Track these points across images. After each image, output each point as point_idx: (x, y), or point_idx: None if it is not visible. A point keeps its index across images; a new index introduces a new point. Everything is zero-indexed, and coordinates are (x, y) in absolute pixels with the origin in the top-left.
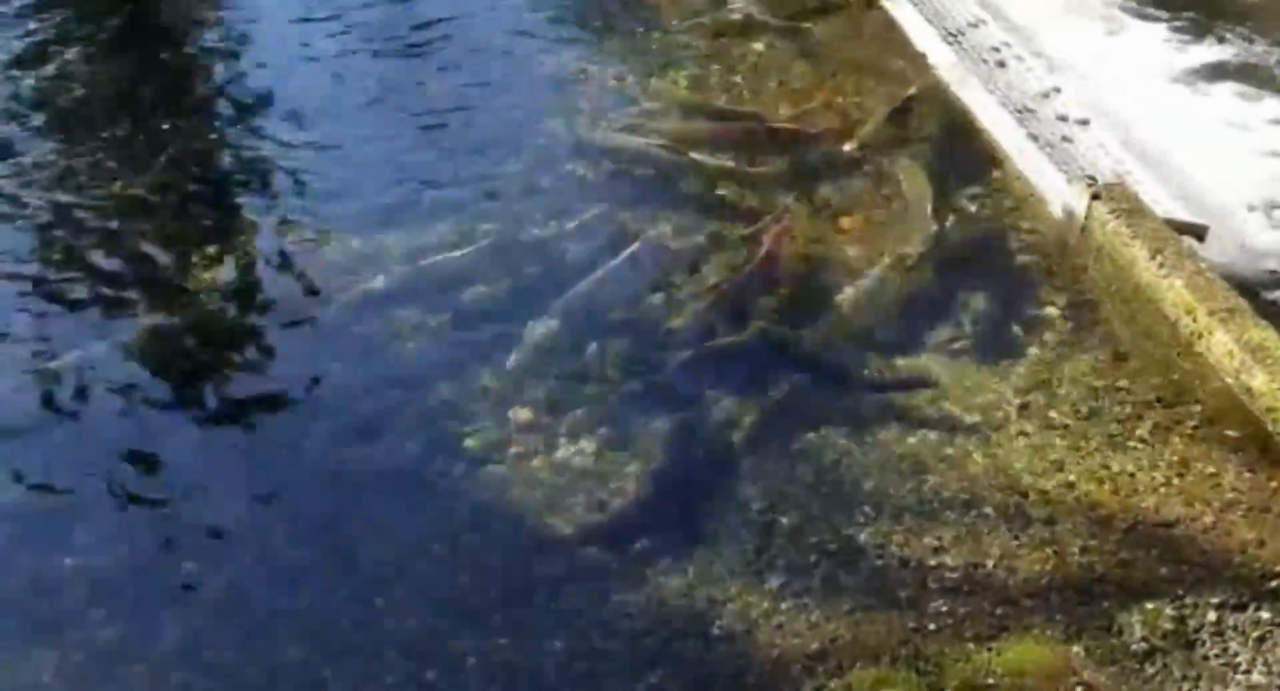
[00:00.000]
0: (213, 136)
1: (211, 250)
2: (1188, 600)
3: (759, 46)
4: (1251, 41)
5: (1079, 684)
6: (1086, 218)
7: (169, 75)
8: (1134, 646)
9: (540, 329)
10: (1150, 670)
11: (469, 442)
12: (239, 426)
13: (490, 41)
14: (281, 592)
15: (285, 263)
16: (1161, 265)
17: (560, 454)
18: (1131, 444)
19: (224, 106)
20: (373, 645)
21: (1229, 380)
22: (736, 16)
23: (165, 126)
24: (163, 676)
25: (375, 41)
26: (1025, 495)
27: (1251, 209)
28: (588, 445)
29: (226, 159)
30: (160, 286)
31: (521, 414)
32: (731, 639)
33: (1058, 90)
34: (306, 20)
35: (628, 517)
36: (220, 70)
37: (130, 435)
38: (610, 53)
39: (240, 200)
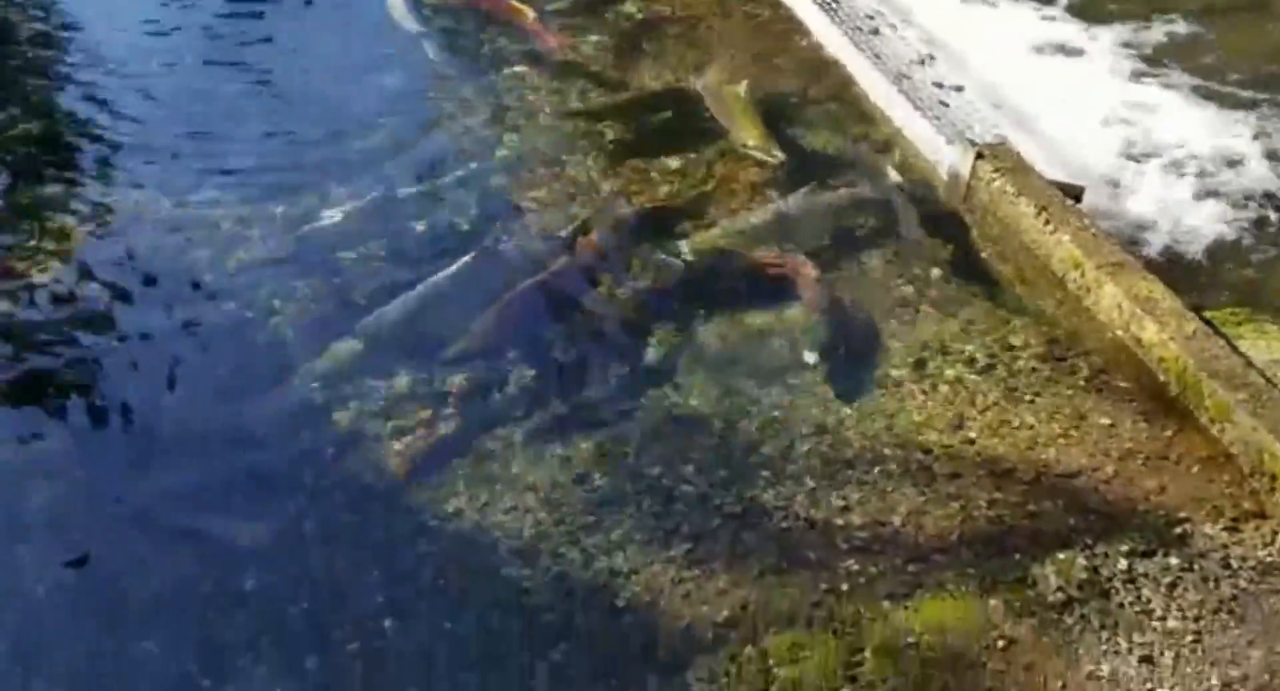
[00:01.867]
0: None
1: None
2: (1098, 550)
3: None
4: None
5: (1000, 637)
6: (971, 177)
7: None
8: (1050, 597)
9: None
10: (1069, 620)
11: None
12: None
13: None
14: None
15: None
16: (1048, 222)
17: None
18: (1028, 398)
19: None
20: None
21: (1119, 332)
22: None
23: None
24: None
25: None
26: (928, 451)
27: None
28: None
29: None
30: None
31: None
32: (637, 610)
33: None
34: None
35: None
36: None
37: None
38: None
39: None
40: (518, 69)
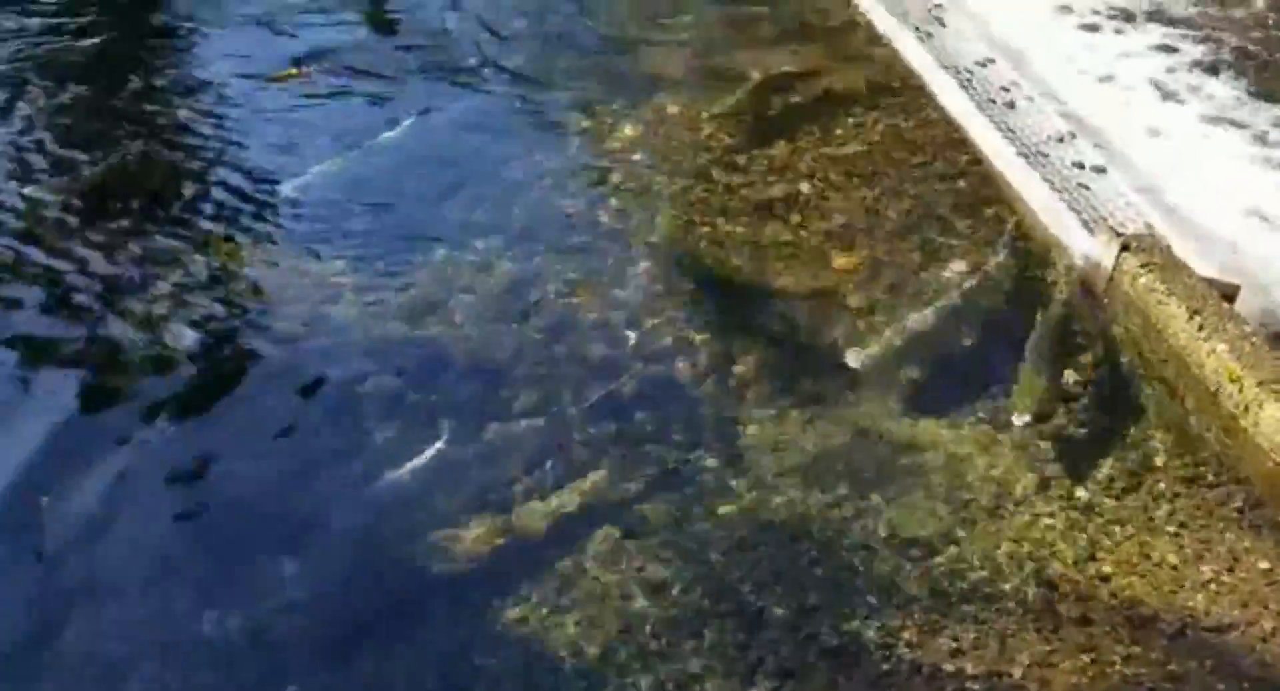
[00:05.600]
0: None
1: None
2: None
3: None
4: None
5: None
6: (1114, 269)
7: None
8: None
9: None
10: None
11: None
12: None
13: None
14: None
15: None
16: (1201, 327)
17: None
18: (1171, 530)
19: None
20: None
21: None
22: None
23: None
24: None
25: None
26: (1054, 587)
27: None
28: None
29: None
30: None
31: None
32: None
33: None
34: None
35: None
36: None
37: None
38: None
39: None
40: None
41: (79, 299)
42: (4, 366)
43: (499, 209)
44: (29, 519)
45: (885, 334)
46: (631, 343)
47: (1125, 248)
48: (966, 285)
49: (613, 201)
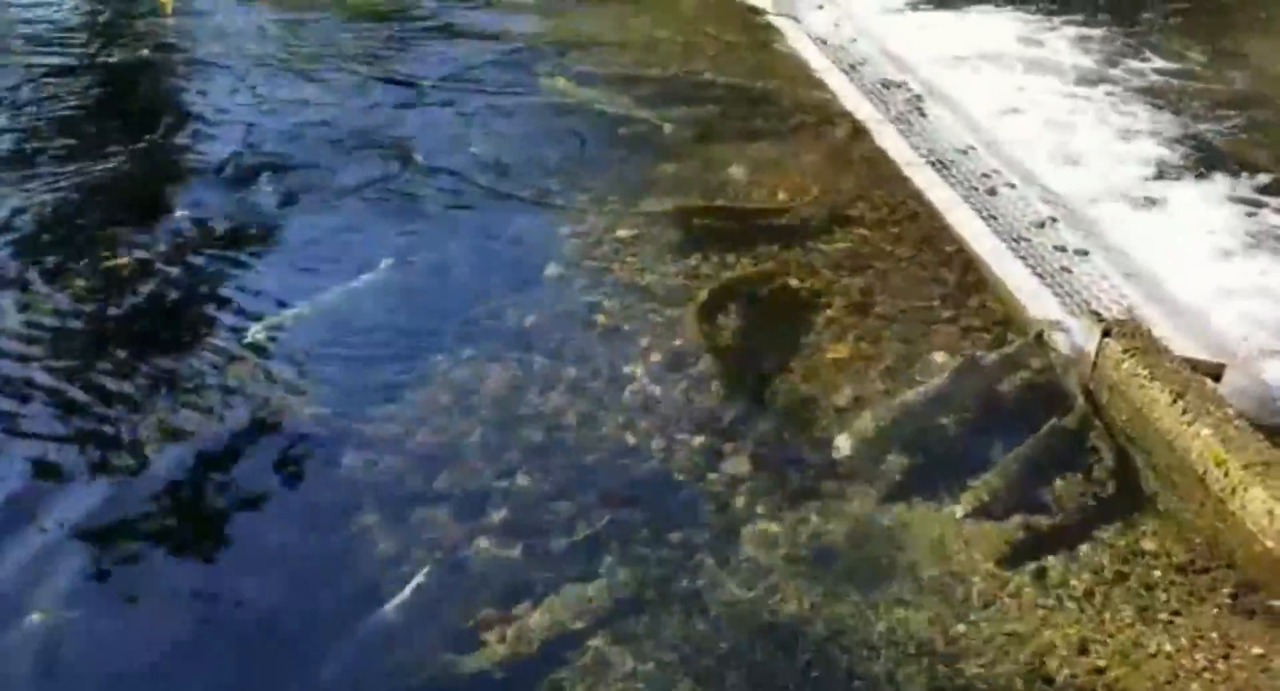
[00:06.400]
0: None
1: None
2: None
3: None
4: None
5: None
6: (1098, 355)
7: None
8: None
9: None
10: None
11: None
12: None
13: None
14: None
15: None
16: (1185, 411)
17: None
18: (1164, 618)
19: None
20: None
21: (1270, 543)
22: None
23: None
24: None
25: None
26: (1050, 682)
27: None
28: None
29: None
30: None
31: None
32: None
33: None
34: None
35: None
36: None
37: None
38: None
39: None
40: None
41: (62, 420)
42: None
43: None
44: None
45: (875, 424)
46: (627, 442)
47: (1107, 333)
48: (953, 373)
49: (606, 302)
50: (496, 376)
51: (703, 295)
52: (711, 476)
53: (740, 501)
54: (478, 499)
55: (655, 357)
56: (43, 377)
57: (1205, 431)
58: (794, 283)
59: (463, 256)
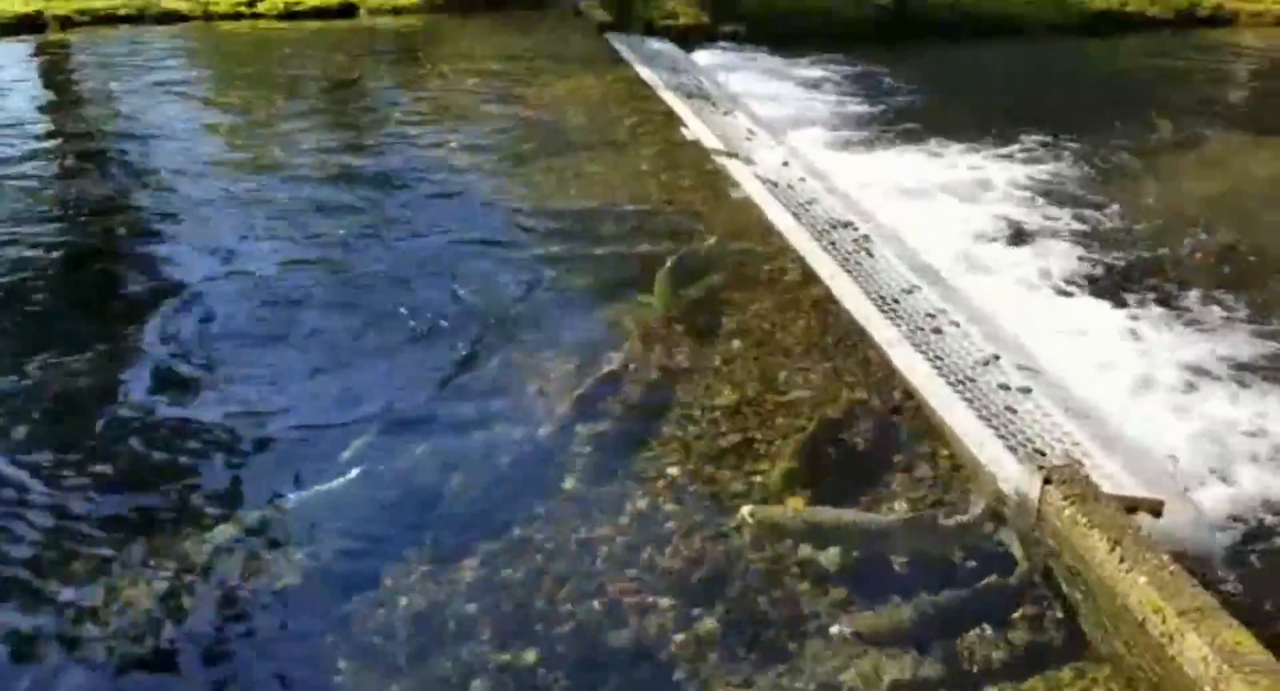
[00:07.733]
0: None
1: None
2: None
3: None
4: None
5: None
6: (1041, 503)
7: None
8: None
9: None
10: None
11: None
12: None
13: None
14: None
15: None
16: (1122, 559)
17: None
18: None
19: None
20: None
21: (1208, 689)
22: None
23: None
24: None
25: None
26: None
27: None
28: None
29: None
30: None
31: None
32: None
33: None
34: None
35: None
36: None
37: None
38: None
39: None
40: None
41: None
42: None
43: None
44: None
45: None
46: (595, 607)
47: (1048, 480)
48: (903, 525)
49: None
50: None
51: None
52: None
53: None
54: None
55: None
56: None
57: (1142, 579)
58: None
59: None
